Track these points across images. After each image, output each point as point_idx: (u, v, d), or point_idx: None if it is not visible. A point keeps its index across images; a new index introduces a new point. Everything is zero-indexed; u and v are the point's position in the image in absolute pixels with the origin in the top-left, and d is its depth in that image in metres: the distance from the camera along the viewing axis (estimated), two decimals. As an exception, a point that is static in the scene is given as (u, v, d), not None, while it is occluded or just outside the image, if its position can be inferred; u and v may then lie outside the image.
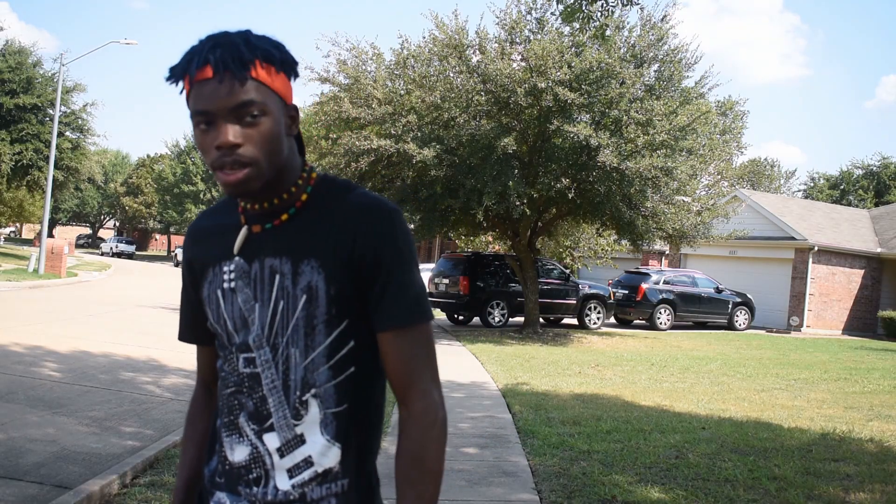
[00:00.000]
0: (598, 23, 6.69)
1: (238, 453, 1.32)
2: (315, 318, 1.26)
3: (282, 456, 1.28)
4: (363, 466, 1.32)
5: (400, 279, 1.26)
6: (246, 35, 1.23)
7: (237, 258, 1.31)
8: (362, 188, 1.32)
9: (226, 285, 1.32)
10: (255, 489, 1.30)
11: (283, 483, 1.28)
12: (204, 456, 1.43)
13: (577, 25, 7.24)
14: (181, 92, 1.24)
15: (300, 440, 1.28)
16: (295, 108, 1.30)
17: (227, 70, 1.18)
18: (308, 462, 1.27)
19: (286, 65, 1.26)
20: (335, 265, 1.25)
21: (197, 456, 1.46)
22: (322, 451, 1.27)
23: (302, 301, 1.26)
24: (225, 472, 1.35)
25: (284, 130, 1.26)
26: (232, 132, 1.19)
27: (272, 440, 1.28)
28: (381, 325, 1.26)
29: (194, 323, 1.44)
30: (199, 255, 1.38)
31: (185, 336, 1.49)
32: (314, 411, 1.27)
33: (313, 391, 1.27)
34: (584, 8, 6.34)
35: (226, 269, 1.32)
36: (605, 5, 6.48)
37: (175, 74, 1.22)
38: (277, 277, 1.27)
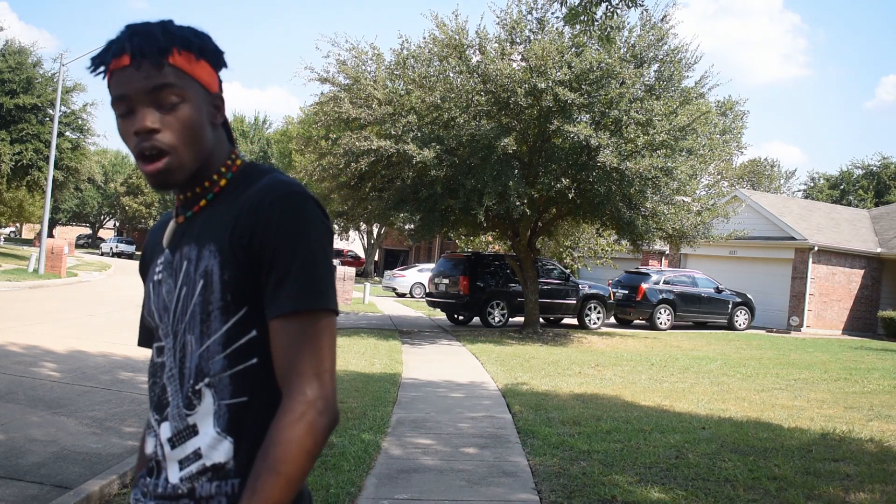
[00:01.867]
0: (600, 24, 6.69)
1: (148, 445, 1.30)
2: (210, 303, 1.22)
3: (172, 447, 1.24)
4: None
5: (293, 266, 1.18)
6: (164, 24, 1.23)
7: (166, 251, 1.32)
8: (280, 173, 1.28)
9: (155, 278, 1.33)
10: (149, 479, 1.28)
11: (173, 475, 1.24)
12: None
13: (579, 28, 7.23)
14: (105, 79, 1.25)
15: (192, 431, 1.23)
16: (220, 98, 1.29)
17: (144, 57, 1.18)
18: (197, 454, 1.22)
19: (207, 53, 1.25)
20: (231, 249, 1.21)
21: None
22: (211, 443, 1.21)
23: (199, 286, 1.23)
24: (140, 467, 1.34)
25: (207, 119, 1.26)
26: (150, 117, 1.19)
27: (165, 430, 1.25)
28: (269, 313, 1.20)
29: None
30: (146, 256, 1.41)
31: (142, 341, 1.46)
32: (208, 402, 1.22)
33: (207, 380, 1.22)
34: (587, 10, 6.34)
35: (157, 262, 1.34)
36: (608, 7, 6.48)
37: (95, 64, 1.23)
38: (185, 264, 1.26)
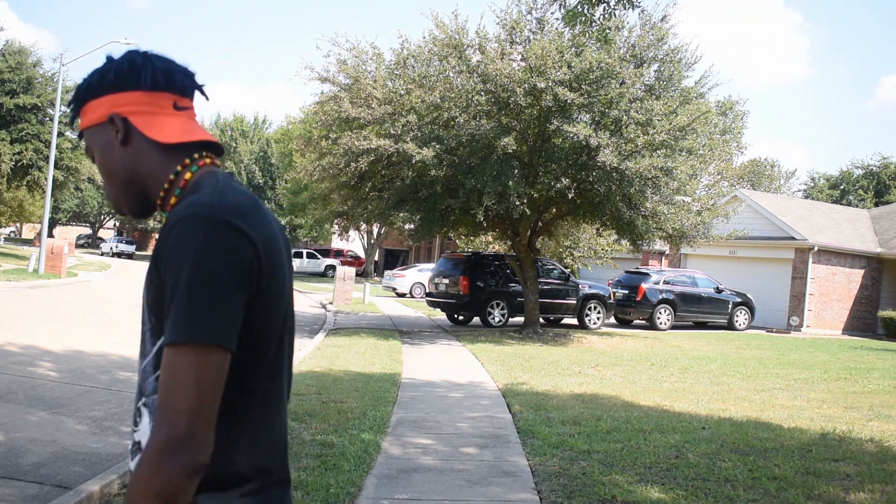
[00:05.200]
0: (598, 25, 6.69)
1: None
2: (144, 325, 1.26)
3: (132, 458, 1.29)
4: None
5: (175, 295, 1.13)
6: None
7: None
8: (206, 192, 1.22)
9: None
10: None
11: None
12: None
13: (578, 29, 7.24)
14: None
15: (138, 448, 1.25)
16: (114, 117, 1.28)
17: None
18: None
19: (91, 90, 1.30)
20: (151, 273, 1.22)
21: None
22: None
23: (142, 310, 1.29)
24: None
25: (113, 146, 1.30)
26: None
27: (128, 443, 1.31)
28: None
29: None
30: None
31: None
32: (146, 421, 1.23)
33: (143, 400, 1.25)
34: (585, 11, 6.34)
35: None
36: (606, 8, 6.48)
37: None
38: None
